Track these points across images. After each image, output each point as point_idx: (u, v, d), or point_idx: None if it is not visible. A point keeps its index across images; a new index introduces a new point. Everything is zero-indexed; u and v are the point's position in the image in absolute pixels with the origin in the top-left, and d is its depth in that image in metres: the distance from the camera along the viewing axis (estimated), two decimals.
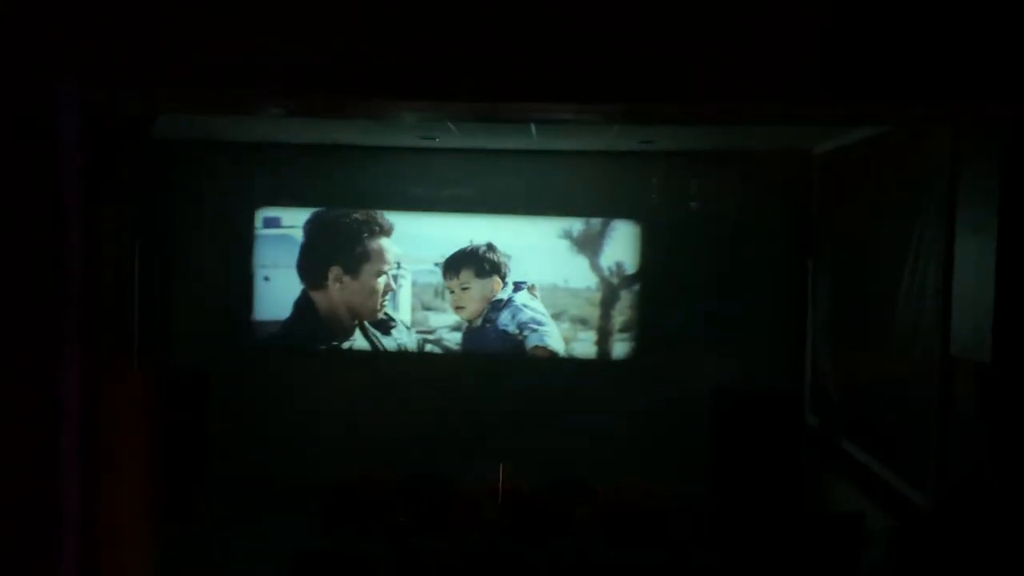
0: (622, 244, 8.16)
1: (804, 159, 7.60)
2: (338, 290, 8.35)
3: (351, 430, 7.96)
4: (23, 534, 2.05)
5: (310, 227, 8.37)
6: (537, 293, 8.23)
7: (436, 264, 8.29)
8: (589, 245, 8.20)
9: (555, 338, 8.22)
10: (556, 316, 8.24)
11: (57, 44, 1.93)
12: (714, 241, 7.85)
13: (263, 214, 8.37)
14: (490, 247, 8.24)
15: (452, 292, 8.29)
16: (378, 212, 8.28)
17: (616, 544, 6.60)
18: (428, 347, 8.34)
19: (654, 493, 6.91)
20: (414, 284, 8.32)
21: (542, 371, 8.20)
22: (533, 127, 6.39)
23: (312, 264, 8.37)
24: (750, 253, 7.83)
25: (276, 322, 8.41)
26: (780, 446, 7.07)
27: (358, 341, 8.38)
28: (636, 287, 8.18)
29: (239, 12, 1.97)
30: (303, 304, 8.40)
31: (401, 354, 8.33)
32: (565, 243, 8.21)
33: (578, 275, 8.21)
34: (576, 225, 8.18)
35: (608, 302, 8.21)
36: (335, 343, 8.38)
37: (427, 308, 8.35)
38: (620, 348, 8.22)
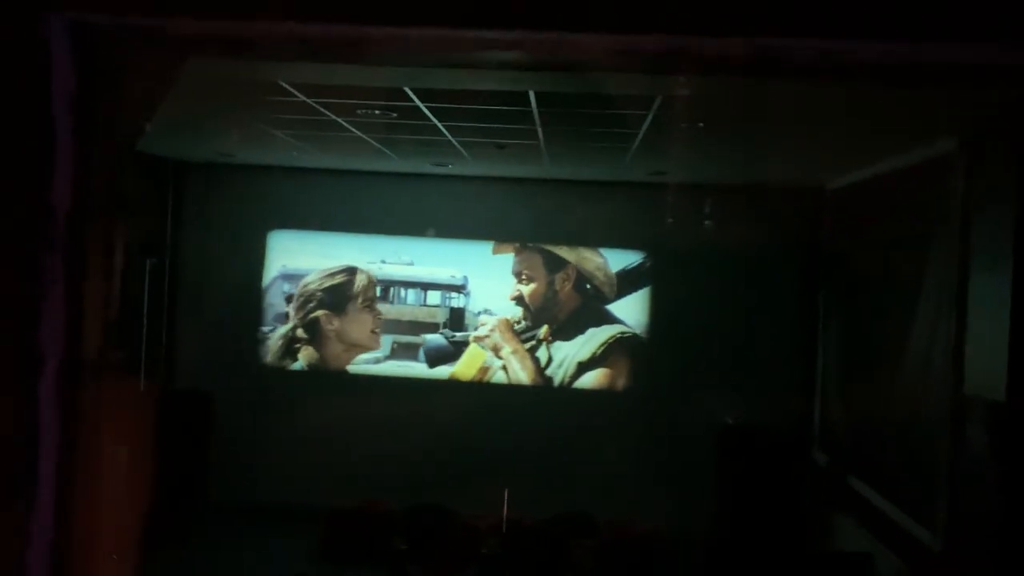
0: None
1: (817, 195, 7.58)
2: (332, 332, 8.35)
3: (353, 457, 7.89)
4: None
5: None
6: None
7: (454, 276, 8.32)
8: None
9: None
10: None
11: None
12: (725, 275, 7.81)
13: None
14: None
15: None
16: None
17: None
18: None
19: (658, 529, 6.83)
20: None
21: (547, 402, 8.15)
22: (544, 150, 6.38)
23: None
24: (761, 288, 7.78)
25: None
26: (787, 484, 6.97)
27: (363, 368, 8.36)
28: (645, 320, 8.15)
29: None
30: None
31: (405, 382, 8.29)
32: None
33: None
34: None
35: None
36: (339, 368, 8.35)
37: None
38: (627, 380, 8.18)
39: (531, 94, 4.71)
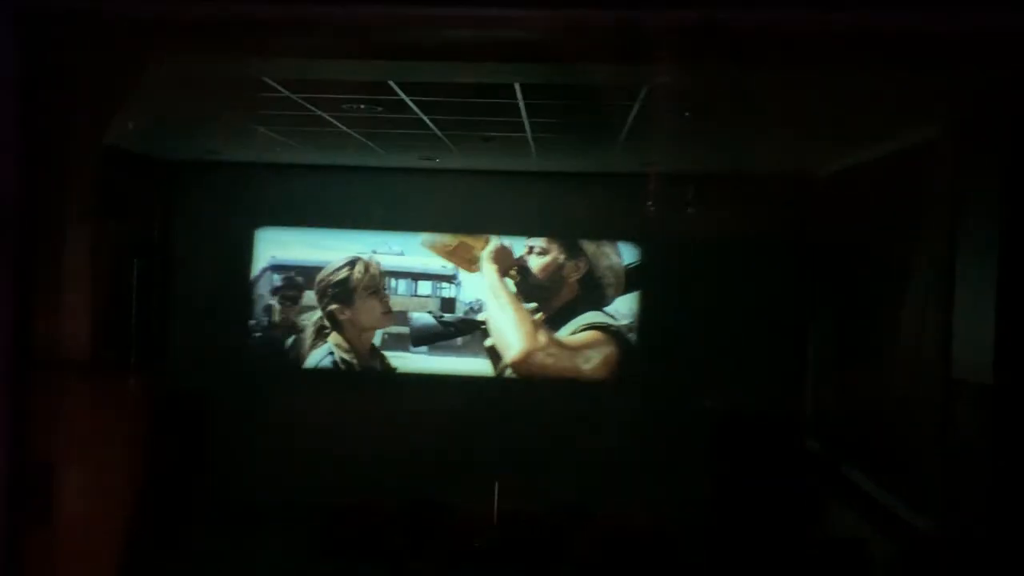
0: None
1: (806, 182, 7.58)
2: (347, 321, 8.35)
3: (348, 454, 7.88)
4: None
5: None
6: None
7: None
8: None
9: None
10: None
11: None
12: (715, 264, 7.81)
13: (271, 259, 8.37)
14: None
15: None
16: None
17: (615, 571, 6.52)
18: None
19: (653, 519, 6.84)
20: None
21: (540, 392, 8.15)
22: (531, 143, 6.37)
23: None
24: (751, 276, 7.78)
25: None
26: (780, 471, 6.99)
27: (356, 362, 8.36)
28: (636, 310, 8.15)
29: None
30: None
31: (399, 376, 8.29)
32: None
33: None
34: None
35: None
36: (347, 357, 8.35)
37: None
38: (607, 369, 8.19)
39: (516, 86, 4.70)
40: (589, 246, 8.15)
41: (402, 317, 8.30)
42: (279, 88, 4.83)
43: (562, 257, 8.15)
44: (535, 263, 8.16)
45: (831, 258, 7.20)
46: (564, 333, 8.17)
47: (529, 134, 6.09)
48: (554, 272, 8.17)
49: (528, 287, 8.18)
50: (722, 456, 7.12)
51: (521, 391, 8.21)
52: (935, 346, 4.80)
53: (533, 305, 8.16)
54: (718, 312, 7.83)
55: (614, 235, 8.15)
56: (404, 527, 6.57)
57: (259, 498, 7.63)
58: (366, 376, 8.34)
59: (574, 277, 8.17)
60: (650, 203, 7.77)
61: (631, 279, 8.15)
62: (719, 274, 7.83)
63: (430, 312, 8.23)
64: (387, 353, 8.33)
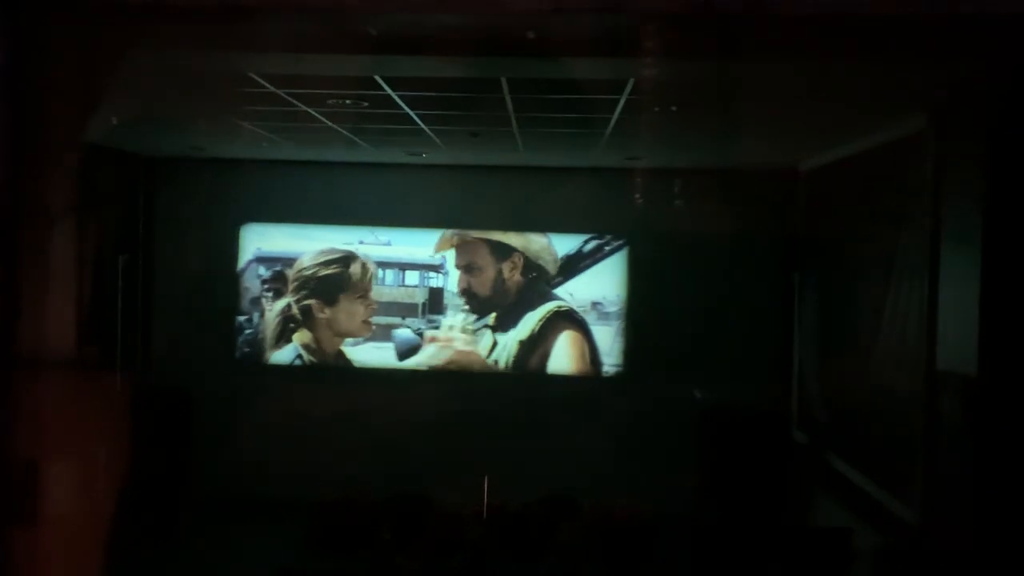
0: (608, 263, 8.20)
1: (790, 176, 7.62)
2: (323, 320, 8.32)
3: (331, 448, 7.87)
4: None
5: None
6: None
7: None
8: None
9: None
10: None
11: None
12: (700, 257, 7.84)
13: (256, 251, 8.32)
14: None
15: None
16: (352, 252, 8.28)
17: (603, 561, 6.55)
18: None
19: (641, 510, 6.86)
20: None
21: (528, 386, 8.16)
22: (518, 137, 6.37)
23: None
24: (736, 269, 7.82)
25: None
26: (767, 463, 7.03)
27: (340, 358, 8.34)
28: (623, 303, 8.17)
29: None
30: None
31: (384, 371, 8.27)
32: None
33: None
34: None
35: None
36: (314, 359, 8.32)
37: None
38: (606, 364, 8.20)
39: (503, 80, 4.69)
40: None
41: (392, 311, 8.26)
42: (265, 84, 4.80)
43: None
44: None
45: (816, 250, 7.23)
46: (528, 327, 8.19)
47: (516, 129, 6.08)
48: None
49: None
50: (710, 447, 7.15)
51: (508, 383, 8.22)
52: (920, 338, 4.83)
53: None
54: (705, 304, 7.86)
55: (602, 229, 8.17)
56: (392, 521, 6.58)
57: (246, 494, 7.62)
58: (348, 372, 8.31)
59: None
60: (643, 199, 7.80)
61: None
62: (705, 266, 7.86)
63: (407, 326, 8.21)
64: (376, 344, 8.29)
